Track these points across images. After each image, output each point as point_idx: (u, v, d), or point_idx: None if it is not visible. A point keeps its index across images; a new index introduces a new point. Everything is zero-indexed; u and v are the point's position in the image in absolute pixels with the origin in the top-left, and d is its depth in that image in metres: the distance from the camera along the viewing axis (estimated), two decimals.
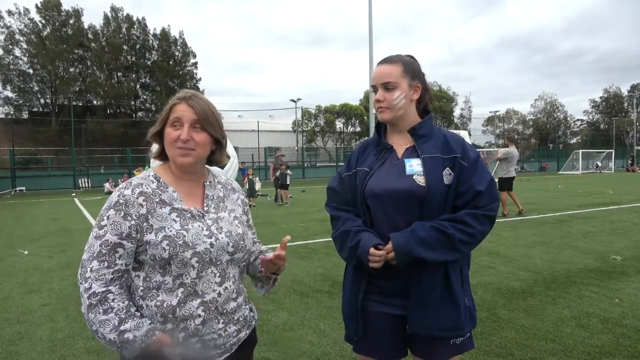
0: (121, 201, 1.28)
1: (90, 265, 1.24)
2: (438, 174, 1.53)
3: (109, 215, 1.27)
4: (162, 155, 1.43)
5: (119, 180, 23.67)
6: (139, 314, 1.27)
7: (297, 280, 5.07)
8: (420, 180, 1.53)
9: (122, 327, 1.22)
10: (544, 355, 3.06)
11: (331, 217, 1.72)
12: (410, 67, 1.62)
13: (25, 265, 6.27)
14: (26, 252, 7.15)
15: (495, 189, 1.59)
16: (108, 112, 40.81)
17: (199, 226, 1.33)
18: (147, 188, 1.32)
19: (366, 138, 1.84)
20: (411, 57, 1.68)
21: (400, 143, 1.65)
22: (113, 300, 1.23)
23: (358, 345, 1.68)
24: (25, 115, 40.31)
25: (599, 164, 38.88)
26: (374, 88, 1.64)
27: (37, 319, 4.04)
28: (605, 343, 3.22)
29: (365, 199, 1.60)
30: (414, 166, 1.56)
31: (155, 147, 1.45)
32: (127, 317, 1.23)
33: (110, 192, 21.76)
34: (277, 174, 14.86)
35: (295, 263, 5.89)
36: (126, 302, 1.25)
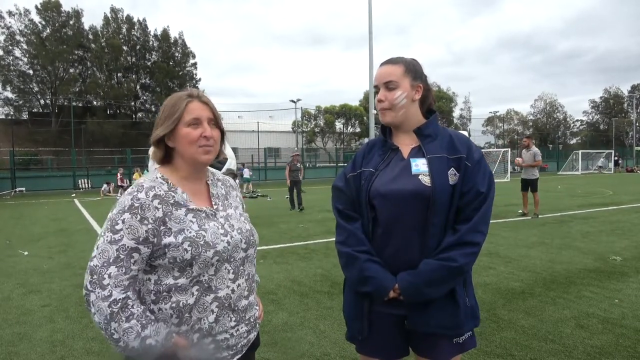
0: (136, 204, 1.24)
1: (108, 272, 1.19)
2: (444, 173, 1.54)
3: (124, 219, 1.22)
4: (164, 159, 1.40)
5: (117, 177, 23.52)
6: (154, 318, 1.25)
7: (296, 280, 5.07)
8: (426, 180, 1.53)
9: (143, 334, 1.19)
10: (544, 356, 3.06)
11: (337, 223, 1.72)
12: (412, 68, 1.64)
13: (25, 265, 6.27)
14: (26, 253, 7.15)
15: (494, 190, 1.60)
16: (108, 112, 40.78)
17: (214, 225, 1.34)
18: (160, 190, 1.29)
19: (372, 138, 1.84)
20: (414, 59, 1.70)
21: (405, 143, 1.66)
22: (132, 306, 1.19)
23: (361, 345, 1.68)
24: (25, 116, 40.28)
25: (602, 164, 38.84)
26: (377, 88, 1.66)
27: (36, 320, 4.04)
28: (605, 343, 3.22)
29: (371, 199, 1.61)
30: (419, 166, 1.57)
31: (152, 150, 1.42)
32: (146, 323, 1.20)
33: (108, 194, 21.76)
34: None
35: (294, 264, 5.89)
36: (142, 307, 1.23)
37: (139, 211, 1.23)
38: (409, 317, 1.56)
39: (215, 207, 1.40)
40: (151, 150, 1.44)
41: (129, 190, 1.29)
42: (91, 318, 1.20)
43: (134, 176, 20.78)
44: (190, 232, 1.27)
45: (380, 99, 1.63)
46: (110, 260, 1.20)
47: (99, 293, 1.18)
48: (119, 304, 1.17)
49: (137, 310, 1.20)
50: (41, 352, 3.35)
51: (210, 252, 1.28)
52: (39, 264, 6.35)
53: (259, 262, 5.97)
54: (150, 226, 1.24)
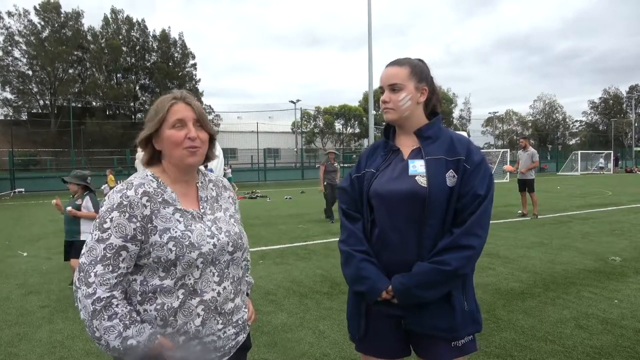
0: (125, 202, 1.24)
1: (94, 270, 1.20)
2: (440, 175, 1.54)
3: (112, 217, 1.22)
4: (151, 161, 1.39)
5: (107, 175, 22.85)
6: (139, 318, 1.25)
7: (296, 281, 5.07)
8: (422, 181, 1.54)
9: (125, 334, 1.19)
10: (544, 356, 3.06)
11: (340, 223, 1.74)
12: (418, 70, 1.65)
13: (24, 266, 6.26)
14: (25, 254, 7.14)
15: (493, 194, 1.60)
16: (107, 113, 40.74)
17: (201, 227, 1.33)
18: (149, 187, 1.29)
19: (377, 140, 1.86)
20: (421, 60, 1.71)
21: (407, 145, 1.67)
22: (117, 305, 1.20)
23: (360, 343, 1.69)
24: (24, 117, 40.24)
25: (602, 165, 38.84)
26: (382, 89, 1.67)
27: (36, 321, 4.04)
28: (604, 344, 3.22)
29: (370, 199, 1.63)
30: (417, 167, 1.58)
31: (140, 153, 1.40)
32: (130, 323, 1.21)
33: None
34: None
35: (294, 264, 5.89)
36: (128, 308, 1.23)
37: (128, 209, 1.23)
38: (405, 317, 1.57)
39: (202, 210, 1.39)
40: (138, 155, 1.42)
41: (118, 187, 1.29)
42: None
43: (108, 178, 20.15)
44: (175, 232, 1.27)
45: (385, 100, 1.64)
46: (98, 259, 1.20)
47: (84, 290, 1.19)
48: (102, 302, 1.18)
49: (122, 310, 1.20)
50: (40, 353, 3.35)
51: (195, 253, 1.27)
52: (38, 264, 6.35)
53: (259, 263, 5.97)
54: (138, 224, 1.24)
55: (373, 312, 1.63)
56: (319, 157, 42.47)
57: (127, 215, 1.23)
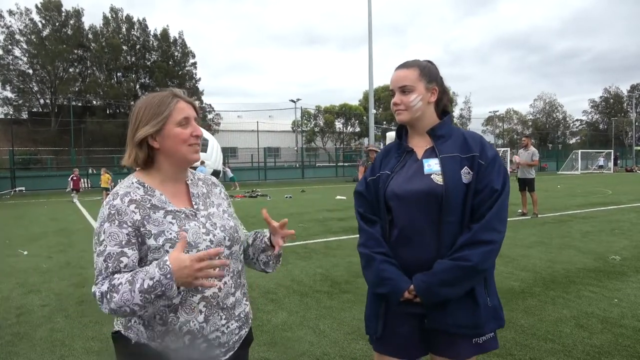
0: (112, 212, 1.26)
1: (103, 285, 1.22)
2: (456, 172, 1.55)
3: (105, 229, 1.25)
4: (146, 163, 1.36)
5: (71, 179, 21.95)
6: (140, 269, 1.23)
7: (296, 280, 5.07)
8: (438, 179, 1.55)
9: (137, 286, 1.16)
10: (544, 355, 3.06)
11: (358, 227, 1.75)
12: (427, 71, 1.66)
13: (24, 265, 6.26)
14: (25, 253, 7.15)
15: (509, 188, 1.61)
16: (107, 112, 40.76)
17: (195, 225, 1.33)
18: (135, 195, 1.30)
19: (389, 142, 1.88)
20: (429, 62, 1.73)
21: (420, 145, 1.69)
22: (117, 279, 1.20)
23: (377, 344, 1.69)
24: (24, 116, 40.25)
25: (602, 164, 38.82)
26: (392, 92, 1.69)
27: (36, 320, 4.04)
28: (604, 343, 3.23)
29: (387, 200, 1.64)
30: (432, 166, 1.60)
31: (130, 155, 1.36)
32: (133, 276, 1.18)
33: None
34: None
35: (294, 263, 5.89)
36: (129, 273, 1.22)
37: (117, 216, 1.25)
38: (428, 316, 1.57)
39: (195, 207, 1.39)
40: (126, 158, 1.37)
41: (106, 200, 1.31)
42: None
43: (102, 178, 19.96)
44: (170, 234, 1.27)
45: (396, 102, 1.66)
46: (102, 272, 1.23)
47: (97, 292, 1.22)
48: (107, 292, 1.19)
49: (123, 278, 1.19)
50: (41, 352, 3.35)
51: (193, 252, 1.27)
52: (39, 263, 6.35)
53: None
54: (130, 229, 1.25)
55: (393, 312, 1.63)
56: (319, 156, 42.48)
57: (117, 222, 1.25)
